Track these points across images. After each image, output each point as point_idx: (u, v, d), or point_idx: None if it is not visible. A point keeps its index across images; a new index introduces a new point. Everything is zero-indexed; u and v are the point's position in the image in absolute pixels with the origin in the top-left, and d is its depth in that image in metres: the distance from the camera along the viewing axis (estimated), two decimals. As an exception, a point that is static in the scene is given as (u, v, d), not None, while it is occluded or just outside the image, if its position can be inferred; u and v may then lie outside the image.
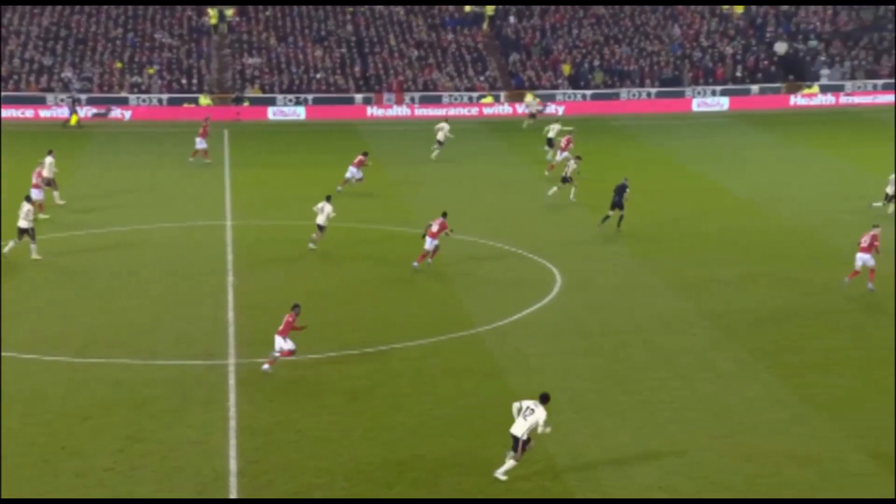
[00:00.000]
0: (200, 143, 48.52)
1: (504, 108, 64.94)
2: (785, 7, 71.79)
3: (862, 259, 29.33)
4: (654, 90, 66.24)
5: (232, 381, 23.98)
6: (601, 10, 72.34)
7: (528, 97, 62.62)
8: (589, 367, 24.84)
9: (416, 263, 32.21)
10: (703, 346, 26.13)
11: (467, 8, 72.60)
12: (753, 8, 72.21)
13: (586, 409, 22.50)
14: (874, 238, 29.35)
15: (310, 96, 64.84)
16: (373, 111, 64.47)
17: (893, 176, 37.50)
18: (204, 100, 63.87)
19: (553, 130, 50.36)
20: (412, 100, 65.35)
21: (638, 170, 48.01)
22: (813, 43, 68.86)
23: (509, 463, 19.28)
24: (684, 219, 38.85)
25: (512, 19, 72.05)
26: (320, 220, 34.17)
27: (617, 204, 36.67)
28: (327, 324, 27.62)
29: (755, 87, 66.03)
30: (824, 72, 66.81)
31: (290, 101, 64.57)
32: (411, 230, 36.38)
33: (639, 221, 38.18)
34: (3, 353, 25.17)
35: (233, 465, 20.01)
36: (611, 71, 67.76)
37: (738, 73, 67.10)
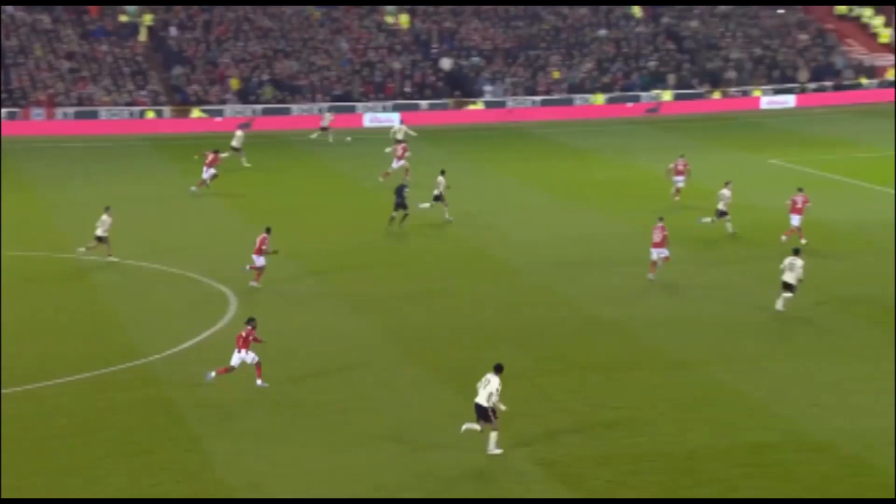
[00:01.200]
0: None
1: (167, 124, 63.32)
2: (448, 23, 75.24)
3: (656, 252, 32.46)
4: (325, 105, 67.14)
5: None
6: (266, 22, 72.42)
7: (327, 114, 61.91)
8: (267, 393, 24.65)
9: (254, 282, 32.34)
10: (385, 364, 26.68)
11: (123, 17, 70.16)
12: (418, 24, 75.10)
13: (267, 437, 22.31)
14: (663, 230, 32.54)
15: (-58, 111, 60.02)
16: (18, 128, 60.61)
17: (725, 191, 38.34)
18: None
19: (400, 132, 51.51)
20: (65, 115, 62.12)
21: (312, 187, 48.45)
22: (476, 59, 72.64)
23: (492, 435, 21.20)
24: (360, 236, 39.55)
25: (173, 30, 70.46)
26: (99, 231, 34.14)
27: (400, 205, 38.80)
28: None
29: (424, 103, 68.67)
30: (487, 88, 70.65)
31: (-82, 116, 59.42)
32: (67, 256, 34.54)
33: (314, 240, 38.48)
34: None
35: None
36: (281, 85, 67.96)
37: (408, 89, 69.50)
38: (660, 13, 78.03)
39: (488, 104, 69.19)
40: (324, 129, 59.93)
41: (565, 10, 76.90)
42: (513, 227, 40.78)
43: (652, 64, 73.20)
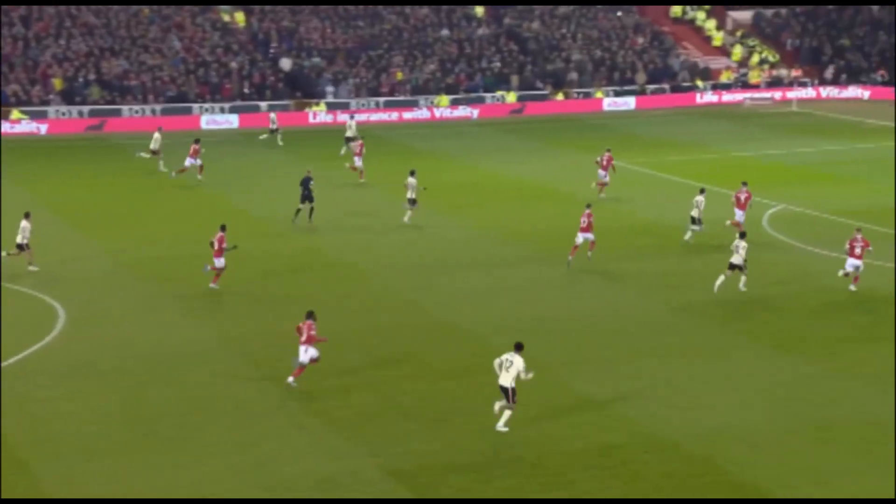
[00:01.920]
0: None
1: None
2: (286, 22, 74.58)
3: (583, 236, 35.15)
4: (158, 106, 65.55)
5: None
6: (91, 19, 70.23)
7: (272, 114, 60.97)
8: (102, 410, 23.95)
9: (213, 284, 32.33)
10: (223, 375, 26.25)
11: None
12: (255, 23, 74.16)
13: (102, 456, 21.73)
14: (589, 216, 35.20)
15: None
16: None
17: (699, 198, 38.52)
18: None
19: (351, 129, 52.84)
20: None
21: (146, 192, 47.22)
22: (316, 60, 72.18)
23: (506, 414, 22.43)
24: (186, 241, 38.70)
25: (-12, 27, 67.56)
26: (19, 238, 33.53)
27: (307, 197, 39.85)
28: None
29: (264, 104, 67.82)
30: (329, 89, 70.30)
31: None
32: None
33: (147, 248, 37.55)
34: None
35: None
36: (109, 86, 65.98)
37: (246, 90, 68.51)
38: (501, 14, 79.34)
39: (331, 106, 68.88)
40: (273, 130, 59.06)
41: (407, 10, 77.32)
42: (361, 231, 40.72)
43: (495, 65, 74.36)
